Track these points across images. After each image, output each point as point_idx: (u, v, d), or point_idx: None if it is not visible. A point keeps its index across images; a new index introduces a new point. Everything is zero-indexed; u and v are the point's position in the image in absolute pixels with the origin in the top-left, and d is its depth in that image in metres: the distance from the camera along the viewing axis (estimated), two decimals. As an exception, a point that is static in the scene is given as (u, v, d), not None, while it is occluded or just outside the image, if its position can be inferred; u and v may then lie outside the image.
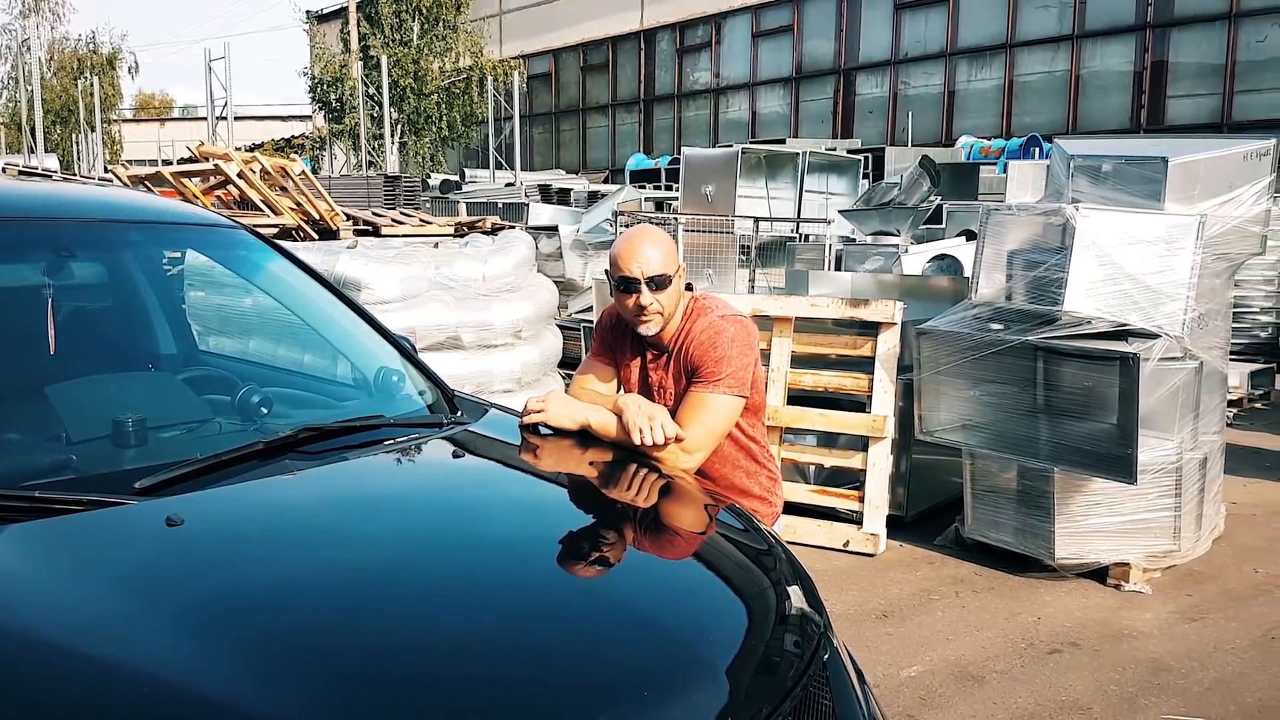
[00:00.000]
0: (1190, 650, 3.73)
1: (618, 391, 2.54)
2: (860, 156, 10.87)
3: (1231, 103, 17.36)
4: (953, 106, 21.16)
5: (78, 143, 29.48)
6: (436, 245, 6.45)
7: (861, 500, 4.86)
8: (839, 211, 9.23)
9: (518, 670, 1.42)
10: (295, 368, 2.76)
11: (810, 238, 9.13)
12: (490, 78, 27.20)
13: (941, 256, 6.74)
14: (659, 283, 2.36)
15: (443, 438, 2.17)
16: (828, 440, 5.27)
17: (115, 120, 38.78)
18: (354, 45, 27.91)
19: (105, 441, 1.91)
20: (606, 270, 2.51)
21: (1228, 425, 5.57)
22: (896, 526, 4.98)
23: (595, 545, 1.86)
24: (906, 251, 6.96)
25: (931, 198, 8.08)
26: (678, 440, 2.29)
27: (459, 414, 2.35)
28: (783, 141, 15.63)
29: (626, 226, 9.49)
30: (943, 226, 9.22)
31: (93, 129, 26.06)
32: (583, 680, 1.43)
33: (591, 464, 2.29)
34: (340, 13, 30.89)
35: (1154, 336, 4.12)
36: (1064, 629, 3.91)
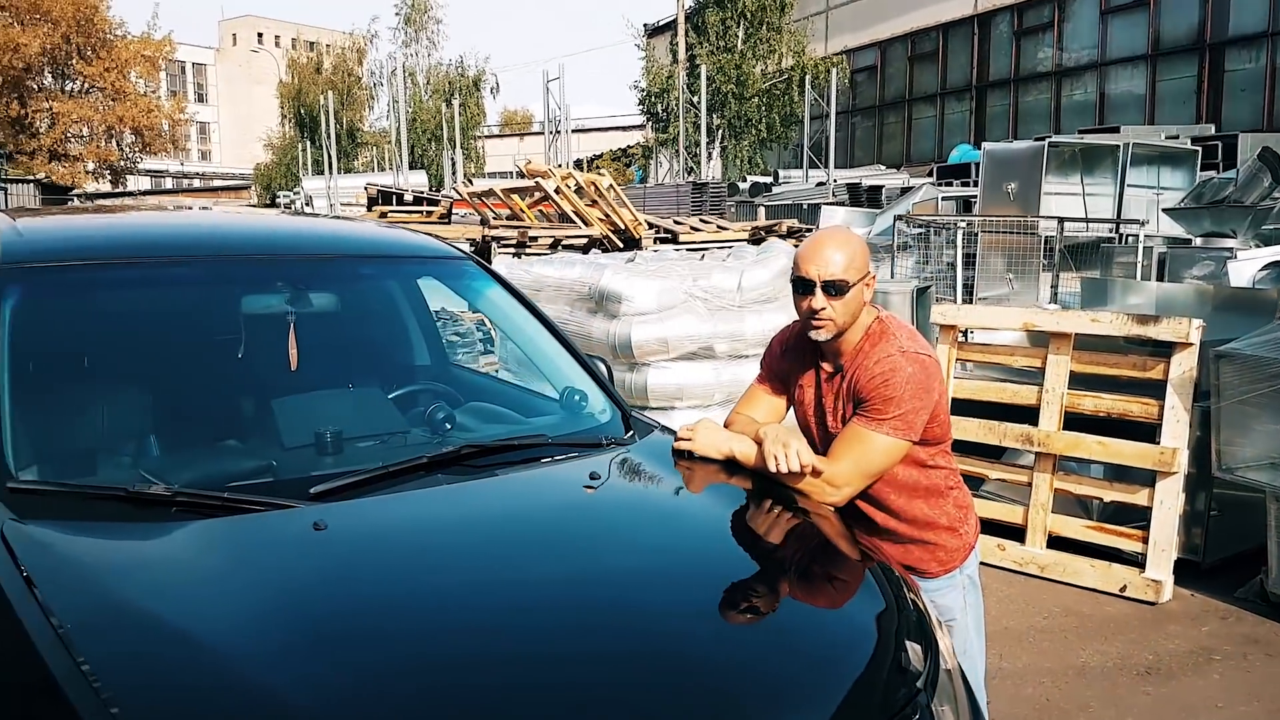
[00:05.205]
0: None
1: (786, 412, 2.51)
2: (1197, 147, 9.50)
3: None
4: (1350, 78, 17.97)
5: (443, 159, 33.22)
6: (728, 257, 6.53)
7: (1145, 541, 4.34)
8: (1163, 210, 8.18)
9: (603, 712, 1.48)
10: (496, 384, 2.99)
11: (1130, 239, 8.20)
12: (809, 76, 27.08)
13: (1277, 264, 5.77)
14: (835, 288, 2.24)
15: (594, 459, 2.25)
16: (1117, 472, 4.74)
17: (479, 136, 43.20)
18: (681, 55, 28.96)
19: (304, 451, 2.20)
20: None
21: None
22: (1190, 573, 4.40)
23: (704, 589, 1.83)
24: (1234, 257, 6.03)
25: (1275, 195, 6.92)
26: (816, 473, 2.22)
27: (629, 434, 2.44)
28: (1117, 129, 13.99)
29: (920, 229, 9.13)
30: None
31: (454, 146, 29.29)
32: None
33: (729, 498, 2.27)
34: (670, 25, 32.18)
35: None
36: (1380, 716, 3.27)
